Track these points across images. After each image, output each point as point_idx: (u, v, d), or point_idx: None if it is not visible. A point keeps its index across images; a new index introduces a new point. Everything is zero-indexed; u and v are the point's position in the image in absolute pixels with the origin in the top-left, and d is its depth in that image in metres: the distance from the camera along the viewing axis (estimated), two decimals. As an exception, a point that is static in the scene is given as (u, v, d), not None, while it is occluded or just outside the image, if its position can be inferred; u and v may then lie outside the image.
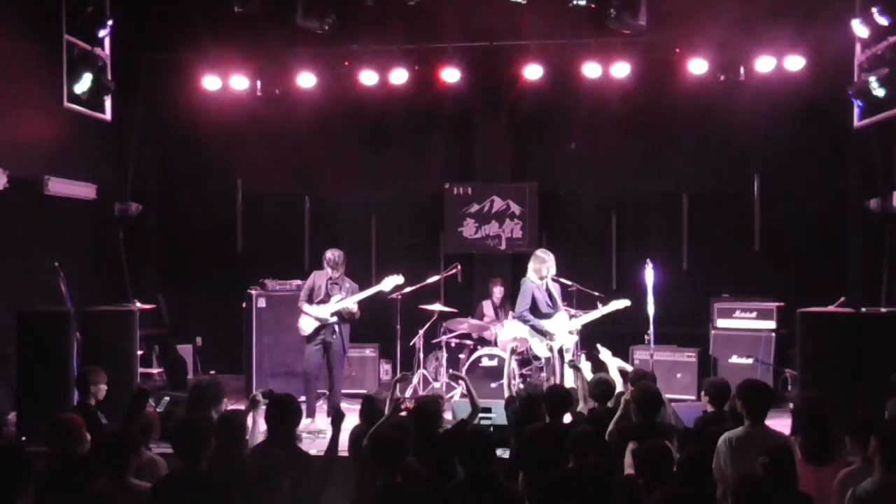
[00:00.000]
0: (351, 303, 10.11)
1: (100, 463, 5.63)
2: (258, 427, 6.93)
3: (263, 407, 6.67)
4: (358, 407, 7.65)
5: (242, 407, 7.96)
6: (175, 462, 5.81)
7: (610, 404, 7.44)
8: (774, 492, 4.94)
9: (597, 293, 11.26)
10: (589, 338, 10.47)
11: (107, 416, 7.53)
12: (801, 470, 5.88)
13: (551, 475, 5.82)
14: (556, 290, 10.09)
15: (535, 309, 9.87)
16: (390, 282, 10.34)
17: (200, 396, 7.28)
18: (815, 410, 6.19)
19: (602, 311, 9.95)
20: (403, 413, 7.30)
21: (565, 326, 9.85)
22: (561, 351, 9.70)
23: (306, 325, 10.20)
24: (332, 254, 10.24)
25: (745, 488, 4.84)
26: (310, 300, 10.23)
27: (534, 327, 9.86)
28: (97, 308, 10.03)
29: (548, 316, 9.87)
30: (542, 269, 9.87)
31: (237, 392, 11.61)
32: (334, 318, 10.13)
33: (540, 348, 9.94)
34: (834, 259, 12.79)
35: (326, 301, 10.17)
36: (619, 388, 7.74)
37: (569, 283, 10.83)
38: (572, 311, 10.43)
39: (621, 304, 9.99)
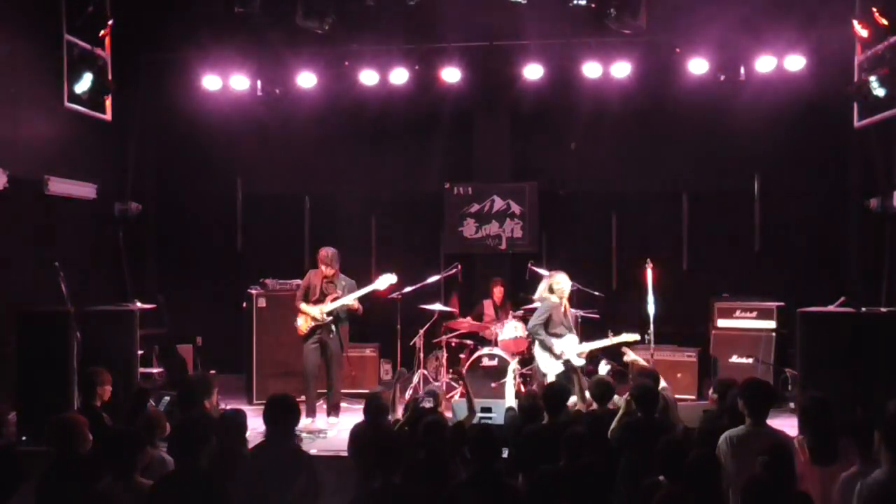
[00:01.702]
0: (351, 300, 10.11)
1: (103, 462, 5.63)
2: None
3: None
4: (358, 406, 7.67)
5: (242, 406, 8.01)
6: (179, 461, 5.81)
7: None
8: (776, 491, 4.94)
9: (597, 293, 11.30)
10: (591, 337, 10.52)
11: (110, 418, 7.54)
12: (807, 470, 5.89)
13: (542, 472, 5.83)
14: (570, 315, 9.94)
15: (548, 327, 9.68)
16: (384, 280, 10.33)
17: (190, 392, 7.31)
18: (822, 411, 6.18)
19: (612, 340, 9.70)
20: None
21: (575, 349, 9.62)
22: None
23: (303, 324, 10.20)
24: (325, 252, 10.23)
25: (753, 491, 4.83)
26: (306, 299, 10.23)
27: (542, 342, 9.66)
28: (97, 308, 10.03)
29: (560, 336, 9.69)
30: (562, 290, 9.71)
31: (237, 391, 11.63)
32: (329, 318, 10.13)
33: (547, 365, 9.72)
34: (834, 259, 12.80)
35: (322, 300, 10.16)
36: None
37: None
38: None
39: (631, 337, 9.70)
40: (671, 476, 5.35)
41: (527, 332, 10.79)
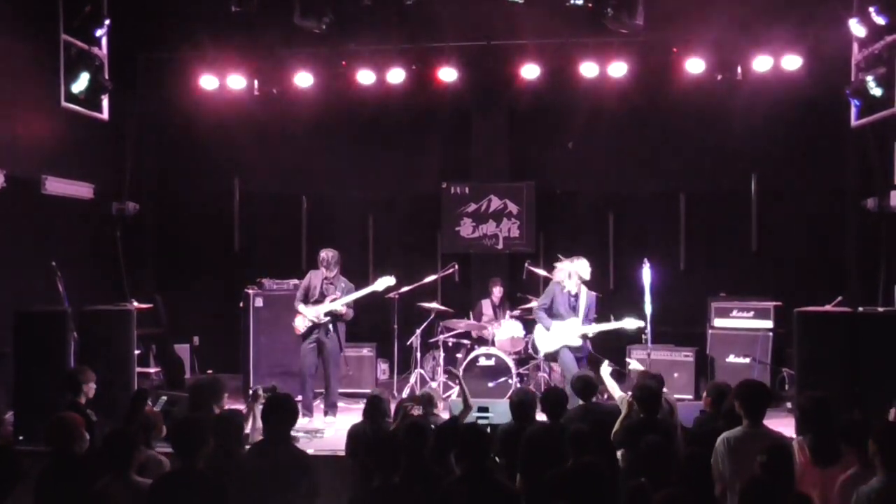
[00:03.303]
0: (339, 304, 10.13)
1: (99, 461, 5.63)
2: (257, 422, 6.96)
3: (262, 401, 6.73)
4: (355, 406, 7.67)
5: (241, 406, 8.00)
6: (177, 461, 5.81)
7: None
8: (774, 492, 4.93)
9: (595, 293, 11.30)
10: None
11: (101, 415, 7.53)
12: (807, 470, 5.88)
13: (549, 474, 5.83)
14: (587, 299, 10.18)
15: (552, 309, 10.16)
16: (383, 282, 10.37)
17: (201, 394, 7.30)
18: (821, 411, 6.18)
19: (614, 324, 10.09)
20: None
21: (572, 332, 10.00)
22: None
23: (301, 324, 10.21)
24: (325, 253, 10.26)
25: (752, 492, 4.83)
26: (305, 299, 10.25)
27: (541, 322, 10.25)
28: (94, 307, 10.01)
29: (562, 318, 10.07)
30: (569, 274, 10.11)
31: (234, 391, 11.61)
32: (328, 318, 10.14)
33: (541, 341, 10.29)
34: (831, 258, 12.79)
35: (321, 301, 10.18)
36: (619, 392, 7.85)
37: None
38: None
39: (635, 323, 10.02)
40: (654, 477, 5.36)
41: (524, 332, 11.04)
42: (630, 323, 10.04)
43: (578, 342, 10.05)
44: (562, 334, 10.07)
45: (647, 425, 6.67)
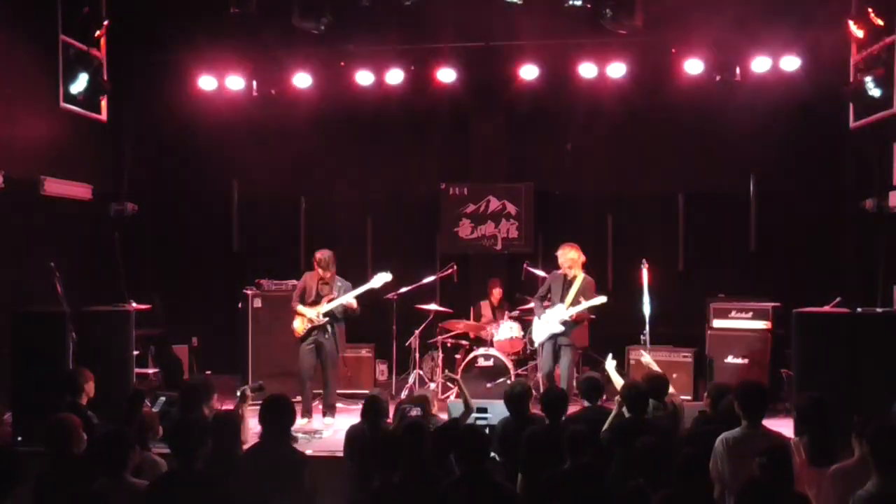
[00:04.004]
0: (348, 299, 10.11)
1: (96, 462, 5.63)
2: (247, 423, 6.97)
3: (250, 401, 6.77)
4: (354, 407, 7.66)
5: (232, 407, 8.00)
6: (174, 462, 5.81)
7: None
8: (773, 493, 4.93)
9: (591, 279, 11.32)
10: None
11: (100, 416, 7.53)
12: (805, 471, 5.87)
13: (545, 475, 5.84)
14: (580, 285, 10.10)
15: (549, 296, 10.31)
16: (380, 279, 10.33)
17: (191, 395, 7.31)
18: (819, 411, 6.17)
19: (584, 304, 10.01)
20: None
21: (556, 318, 10.04)
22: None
23: (300, 326, 10.20)
24: (321, 254, 10.24)
25: (750, 493, 4.83)
26: (302, 301, 10.24)
27: (535, 312, 10.39)
28: (93, 308, 10.02)
29: (554, 305, 10.18)
30: (562, 262, 10.22)
31: (233, 392, 11.60)
32: (325, 319, 10.13)
33: (535, 333, 10.35)
34: (829, 259, 12.78)
35: (318, 302, 10.17)
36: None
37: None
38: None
39: (599, 300, 10.01)
40: (652, 478, 5.36)
41: (523, 333, 11.08)
42: (595, 301, 10.01)
43: (560, 328, 10.07)
44: (549, 323, 10.12)
45: (634, 425, 6.66)
